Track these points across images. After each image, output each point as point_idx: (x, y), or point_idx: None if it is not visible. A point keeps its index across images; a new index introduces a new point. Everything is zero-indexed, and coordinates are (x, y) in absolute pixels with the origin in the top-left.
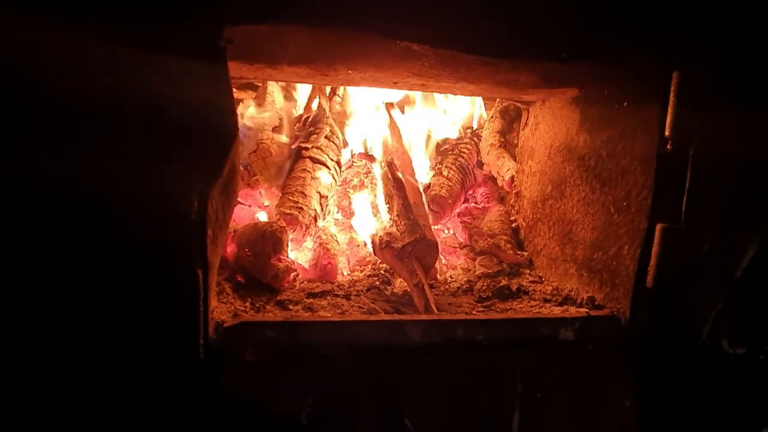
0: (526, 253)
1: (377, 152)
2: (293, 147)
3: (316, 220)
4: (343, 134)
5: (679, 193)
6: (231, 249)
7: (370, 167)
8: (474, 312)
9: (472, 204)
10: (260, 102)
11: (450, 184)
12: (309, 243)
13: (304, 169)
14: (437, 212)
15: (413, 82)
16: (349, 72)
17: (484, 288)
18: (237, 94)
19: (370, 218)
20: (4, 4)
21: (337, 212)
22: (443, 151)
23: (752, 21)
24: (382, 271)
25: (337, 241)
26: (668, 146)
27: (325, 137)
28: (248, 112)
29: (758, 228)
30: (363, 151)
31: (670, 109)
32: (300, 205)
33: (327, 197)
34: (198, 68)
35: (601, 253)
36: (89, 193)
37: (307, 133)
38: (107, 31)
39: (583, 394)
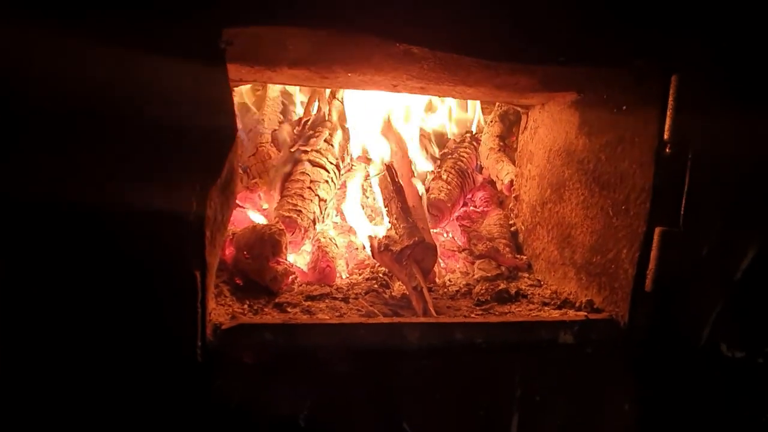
0: (525, 257)
1: (376, 156)
2: (292, 150)
3: (314, 223)
4: (342, 137)
5: (678, 197)
6: (229, 252)
7: (369, 170)
8: (473, 315)
9: (471, 208)
10: (260, 105)
11: (449, 187)
12: (308, 246)
13: (303, 172)
14: (436, 216)
15: (413, 85)
16: (349, 75)
17: (482, 291)
18: (236, 97)
19: (369, 221)
20: (3, 5)
21: (336, 215)
22: (443, 155)
23: (751, 23)
24: (381, 275)
25: (335, 244)
26: (667, 150)
27: (325, 140)
28: (248, 115)
29: (757, 231)
30: (362, 154)
31: (669, 113)
32: (299, 208)
33: (326, 200)
34: (197, 69)
35: (599, 256)
36: (88, 193)
37: (307, 136)
38: (107, 31)
39: (582, 398)
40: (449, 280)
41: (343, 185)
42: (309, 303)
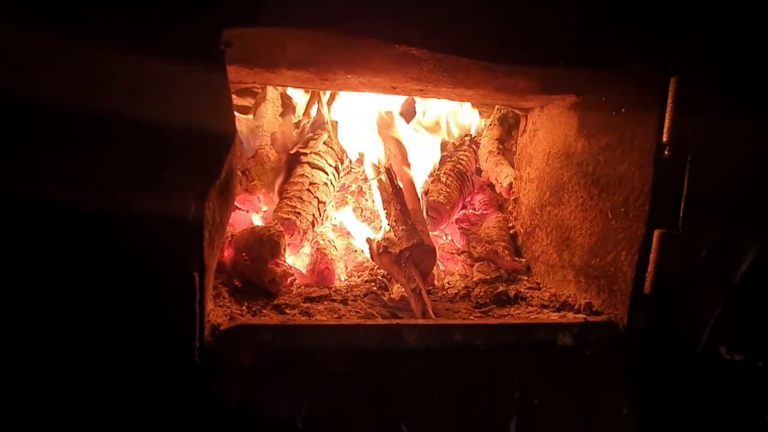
0: (524, 260)
1: (376, 158)
2: (292, 152)
3: (313, 226)
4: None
5: (677, 199)
6: (228, 253)
7: (368, 173)
8: (471, 318)
9: (470, 211)
10: (259, 108)
11: (448, 190)
12: (307, 248)
13: (303, 175)
14: (435, 218)
15: (412, 87)
16: (348, 76)
17: (481, 294)
18: (236, 100)
19: (368, 224)
20: (3, 5)
21: (335, 218)
22: (442, 158)
23: (750, 26)
24: (380, 277)
25: (334, 246)
26: (666, 152)
27: (324, 143)
28: (247, 118)
29: (757, 233)
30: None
31: (667, 115)
32: (298, 210)
33: (325, 203)
34: (197, 69)
35: (598, 259)
36: (87, 193)
37: (306, 138)
38: (107, 31)
39: (580, 401)
40: (448, 283)
41: (342, 187)
42: (307, 305)
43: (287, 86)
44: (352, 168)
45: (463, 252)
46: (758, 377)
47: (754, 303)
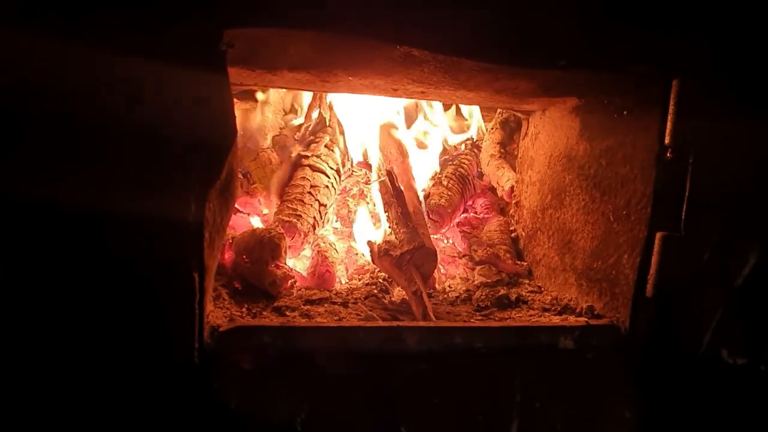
0: (525, 263)
1: (377, 161)
2: (293, 155)
3: (314, 228)
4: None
5: (679, 201)
6: (229, 255)
7: (370, 176)
8: (472, 321)
9: (472, 214)
10: (261, 111)
11: (449, 193)
12: (307, 251)
13: (304, 177)
14: (436, 221)
15: (413, 89)
16: (350, 78)
17: (482, 297)
18: (237, 103)
19: (369, 226)
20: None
21: (336, 221)
22: (443, 161)
23: (752, 28)
24: (381, 280)
25: (335, 249)
26: (668, 154)
27: (325, 146)
28: (249, 121)
29: (759, 236)
30: (362, 159)
31: (669, 117)
32: (298, 213)
33: (326, 205)
34: (198, 70)
35: (600, 262)
36: (86, 193)
37: (307, 141)
38: (107, 31)
39: (582, 404)
40: (449, 286)
41: (344, 190)
42: (308, 307)
43: (288, 88)
44: (353, 171)
45: (464, 255)
46: (761, 381)
47: (757, 306)
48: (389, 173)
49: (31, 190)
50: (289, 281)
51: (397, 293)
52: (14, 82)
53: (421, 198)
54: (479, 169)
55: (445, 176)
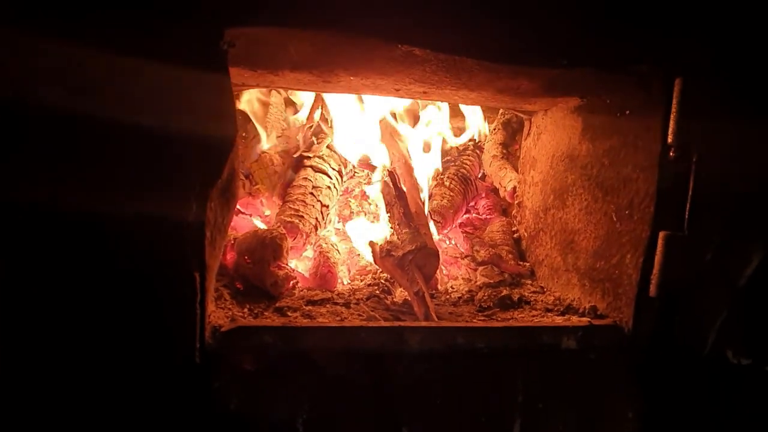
0: (528, 264)
1: (379, 161)
2: (295, 156)
3: (316, 229)
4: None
5: (682, 201)
6: (230, 256)
7: (372, 176)
8: (475, 321)
9: (474, 215)
10: (263, 112)
11: (452, 194)
12: (309, 252)
13: (306, 178)
14: (439, 222)
15: (415, 89)
16: (351, 78)
17: (485, 298)
18: (239, 104)
19: (371, 227)
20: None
21: (338, 221)
22: (446, 162)
23: (755, 27)
24: (383, 281)
25: (337, 250)
26: (671, 153)
27: (327, 147)
28: (251, 122)
29: (763, 235)
30: (365, 160)
31: (672, 117)
32: (301, 214)
33: (328, 206)
34: (199, 69)
35: (603, 262)
36: (87, 192)
37: (309, 142)
38: (107, 32)
39: (585, 404)
40: (451, 287)
41: (346, 191)
42: (310, 307)
43: (290, 89)
44: (355, 172)
45: (466, 256)
46: (766, 382)
47: (761, 306)
48: (391, 173)
49: (32, 189)
50: (291, 282)
51: (399, 294)
52: (14, 82)
53: (425, 199)
54: (482, 170)
55: (448, 177)
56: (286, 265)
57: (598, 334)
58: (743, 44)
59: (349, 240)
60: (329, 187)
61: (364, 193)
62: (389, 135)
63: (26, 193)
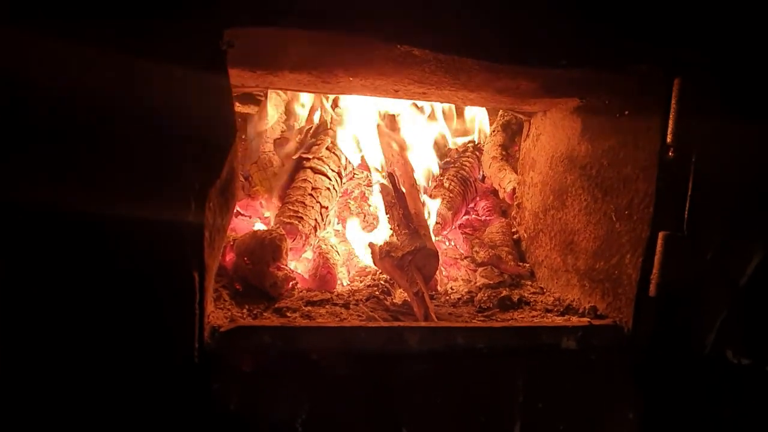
0: (527, 265)
1: (378, 163)
2: (294, 158)
3: (316, 230)
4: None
5: (681, 201)
6: (230, 257)
7: (371, 178)
8: (474, 321)
9: (474, 216)
10: (262, 113)
11: (451, 195)
12: (309, 253)
13: (305, 180)
14: (438, 224)
15: (414, 90)
16: (350, 79)
17: (485, 299)
18: (239, 107)
19: (370, 228)
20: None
21: (338, 223)
22: (445, 163)
23: (754, 27)
24: (382, 282)
25: (337, 252)
26: (670, 153)
27: (327, 148)
28: (250, 124)
29: (763, 235)
30: (364, 161)
31: (671, 117)
32: (300, 215)
33: (327, 208)
34: (198, 70)
35: (603, 262)
36: (86, 192)
37: (309, 144)
38: (106, 32)
39: (585, 405)
40: (451, 288)
41: (345, 192)
42: (309, 308)
43: (290, 90)
44: (355, 173)
45: (466, 257)
46: (766, 382)
47: (761, 306)
48: (391, 175)
49: (32, 189)
50: (290, 283)
51: (399, 295)
52: (14, 82)
53: (424, 200)
54: (481, 172)
55: (447, 178)
56: (286, 266)
57: (597, 334)
58: (742, 44)
59: (348, 241)
60: (328, 189)
61: (364, 194)
62: (388, 136)
63: (26, 193)
